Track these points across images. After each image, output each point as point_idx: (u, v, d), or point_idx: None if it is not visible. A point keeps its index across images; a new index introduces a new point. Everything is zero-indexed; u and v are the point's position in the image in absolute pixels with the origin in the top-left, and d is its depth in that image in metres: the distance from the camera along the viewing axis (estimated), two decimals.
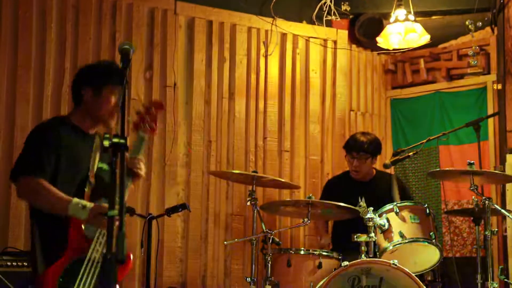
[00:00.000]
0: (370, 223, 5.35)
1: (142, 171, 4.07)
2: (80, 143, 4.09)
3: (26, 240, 5.64)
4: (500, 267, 5.55)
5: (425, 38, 7.01)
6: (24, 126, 5.80)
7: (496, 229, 5.69)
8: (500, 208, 5.65)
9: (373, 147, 6.33)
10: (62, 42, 6.08)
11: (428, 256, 5.66)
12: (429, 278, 5.85)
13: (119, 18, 6.33)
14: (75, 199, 3.75)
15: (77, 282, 3.66)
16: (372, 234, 5.34)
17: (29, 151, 3.96)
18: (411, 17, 6.88)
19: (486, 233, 5.44)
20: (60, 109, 6.00)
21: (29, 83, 5.91)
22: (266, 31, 7.04)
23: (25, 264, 5.06)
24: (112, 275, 2.85)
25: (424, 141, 6.42)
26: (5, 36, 5.82)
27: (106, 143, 2.90)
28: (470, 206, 5.82)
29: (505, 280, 5.71)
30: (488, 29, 7.13)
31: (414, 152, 6.39)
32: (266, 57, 7.04)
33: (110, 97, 3.98)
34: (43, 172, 3.84)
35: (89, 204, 3.72)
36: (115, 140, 2.87)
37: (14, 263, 5.04)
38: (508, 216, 5.82)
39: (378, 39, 7.08)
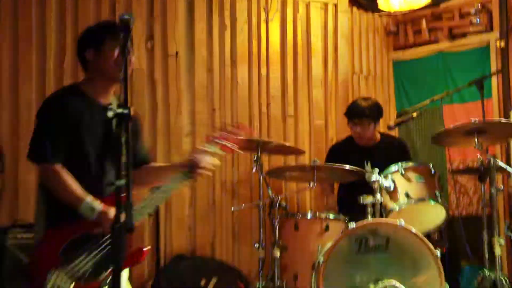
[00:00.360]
0: (376, 185, 5.39)
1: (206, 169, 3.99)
2: (93, 111, 4.02)
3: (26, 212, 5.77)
4: (506, 223, 5.63)
5: None
6: (28, 100, 5.87)
7: (502, 187, 5.69)
8: (505, 166, 5.69)
9: (375, 112, 6.38)
10: (62, 15, 6.10)
11: (434, 215, 5.73)
12: (436, 237, 5.86)
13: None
14: (87, 199, 3.71)
15: (81, 257, 3.70)
16: (378, 196, 5.38)
17: (41, 133, 3.91)
18: None
19: (492, 191, 5.51)
20: (62, 82, 5.96)
21: (31, 58, 5.92)
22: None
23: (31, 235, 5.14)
24: (121, 244, 2.91)
25: (428, 101, 6.46)
26: (5, 13, 5.84)
27: (110, 113, 2.93)
28: (475, 165, 5.91)
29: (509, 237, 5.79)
30: None
31: (418, 113, 6.45)
32: (267, 23, 7.05)
33: (112, 50, 3.91)
34: (57, 156, 3.83)
35: (98, 207, 3.68)
36: (119, 110, 2.90)
37: (25, 236, 5.13)
38: (508, 168, 5.86)
39: (379, 0, 7.11)
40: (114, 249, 2.96)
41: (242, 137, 4.19)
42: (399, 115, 6.52)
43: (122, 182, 2.90)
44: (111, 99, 4.06)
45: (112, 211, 3.48)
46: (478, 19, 7.16)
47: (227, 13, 6.87)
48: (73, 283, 3.66)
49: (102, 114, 3.78)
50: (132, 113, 3.60)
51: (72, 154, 3.89)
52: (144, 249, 3.88)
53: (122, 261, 2.98)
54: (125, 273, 4.01)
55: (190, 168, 3.96)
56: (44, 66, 6.02)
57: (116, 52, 3.90)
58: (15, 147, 5.78)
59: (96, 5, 6.25)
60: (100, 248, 3.73)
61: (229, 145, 4.09)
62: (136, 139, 4.15)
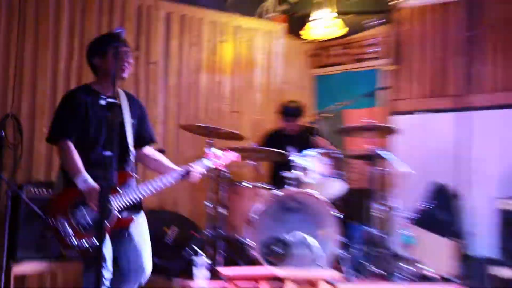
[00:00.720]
0: (296, 164, 5.53)
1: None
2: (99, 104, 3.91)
3: (47, 173, 5.72)
4: (381, 194, 5.70)
5: (342, 31, 7.16)
6: (43, 91, 5.79)
7: (382, 168, 5.91)
8: (384, 154, 5.85)
9: (299, 111, 6.52)
10: (72, 29, 6.00)
11: (336, 188, 5.84)
12: (338, 203, 5.80)
13: (115, 13, 6.28)
14: (84, 174, 3.64)
15: (80, 213, 3.63)
16: (297, 172, 5.52)
17: (58, 117, 3.87)
18: (333, 14, 7.00)
19: (375, 171, 5.77)
20: (69, 79, 5.94)
21: (47, 59, 5.81)
22: (224, 24, 7.06)
23: (49, 191, 5.08)
24: (106, 199, 3.01)
25: (335, 106, 6.54)
26: (29, 22, 5.70)
27: (103, 102, 3.04)
28: (365, 152, 6.01)
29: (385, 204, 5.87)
30: (386, 26, 7.19)
31: (329, 114, 6.50)
32: (223, 43, 7.07)
33: (112, 58, 3.74)
34: (69, 134, 3.76)
35: (90, 183, 3.59)
36: (110, 100, 3.03)
37: (35, 190, 5.08)
38: (389, 158, 5.94)
39: (306, 30, 7.20)
40: (101, 203, 2.95)
41: (230, 160, 4.32)
42: (318, 114, 6.63)
43: (109, 153, 2.92)
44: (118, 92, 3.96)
45: (97, 187, 3.58)
46: (374, 49, 7.29)
47: (194, 33, 6.90)
48: (71, 229, 3.59)
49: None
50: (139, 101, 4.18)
51: (82, 136, 3.78)
52: (129, 218, 3.76)
53: (103, 222, 2.95)
54: (143, 219, 4.01)
55: (186, 174, 3.95)
56: (56, 65, 5.91)
57: (117, 58, 3.78)
58: (32, 125, 5.75)
59: (97, 20, 6.15)
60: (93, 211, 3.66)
61: (220, 163, 4.21)
62: (142, 122, 4.10)
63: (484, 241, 6.19)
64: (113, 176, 3.72)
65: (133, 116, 3.98)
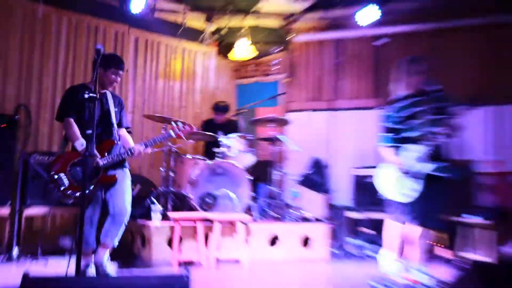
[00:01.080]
0: (223, 143, 5.53)
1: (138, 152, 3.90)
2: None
3: (48, 146, 5.65)
4: (279, 165, 5.82)
5: (254, 54, 7.12)
6: (47, 85, 5.70)
7: (280, 147, 5.97)
8: (281, 138, 5.89)
9: (226, 108, 6.43)
10: (68, 45, 5.89)
11: (249, 159, 5.76)
12: (250, 169, 5.74)
13: (99, 35, 6.15)
14: (80, 139, 3.65)
15: (77, 169, 3.61)
16: (223, 148, 5.51)
17: (63, 102, 3.88)
18: (248, 43, 6.96)
19: (276, 149, 5.78)
20: (66, 78, 5.84)
21: (49, 64, 5.72)
22: (175, 47, 6.97)
23: (49, 158, 4.92)
24: (88, 168, 2.95)
25: (249, 105, 6.63)
26: (38, 42, 5.61)
27: (86, 95, 3.00)
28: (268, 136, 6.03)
29: (281, 171, 6.05)
30: (283, 52, 7.23)
31: (245, 110, 6.59)
32: (175, 59, 6.98)
33: (110, 74, 3.79)
34: (70, 114, 3.76)
35: (84, 144, 3.51)
36: (91, 94, 3.02)
37: (40, 157, 4.93)
38: (284, 141, 5.98)
39: (231, 53, 7.16)
40: (83, 170, 2.95)
41: (188, 132, 4.19)
42: (238, 110, 6.67)
43: (89, 132, 2.96)
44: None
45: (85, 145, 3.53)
46: (276, 67, 7.34)
47: (154, 52, 6.78)
48: (68, 182, 3.59)
49: (100, 95, 3.82)
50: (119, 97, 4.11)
51: (78, 118, 3.76)
52: (112, 175, 3.76)
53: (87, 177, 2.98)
54: (126, 174, 3.96)
55: (131, 153, 3.84)
56: (56, 70, 5.81)
57: (113, 76, 3.83)
58: (38, 112, 5.64)
59: (86, 40, 6.03)
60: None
61: (181, 134, 4.09)
62: (121, 112, 4.05)
63: (343, 195, 6.32)
64: (100, 144, 3.73)
65: (115, 106, 3.95)
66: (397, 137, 3.91)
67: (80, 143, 3.64)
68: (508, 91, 5.96)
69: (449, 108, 3.78)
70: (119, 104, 4.08)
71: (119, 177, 3.80)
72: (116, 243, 3.83)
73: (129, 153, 3.82)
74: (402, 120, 3.89)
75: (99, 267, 3.79)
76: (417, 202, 3.74)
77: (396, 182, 3.83)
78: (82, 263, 3.48)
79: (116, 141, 3.90)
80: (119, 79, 3.89)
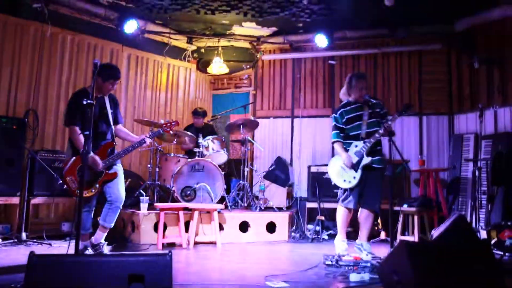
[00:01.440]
0: (201, 144, 5.52)
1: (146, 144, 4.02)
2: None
3: (52, 145, 5.57)
4: (248, 162, 5.93)
5: (227, 70, 7.16)
6: (52, 94, 5.65)
7: (249, 148, 5.96)
8: (251, 140, 5.99)
9: (204, 113, 6.43)
10: (71, 60, 5.85)
11: (223, 158, 5.79)
12: (223, 166, 5.93)
13: (97, 52, 6.13)
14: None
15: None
16: (201, 148, 5.51)
17: (69, 109, 3.78)
18: (221, 60, 7.02)
19: (244, 149, 5.75)
20: (68, 89, 5.76)
21: (54, 77, 5.66)
22: (161, 62, 6.93)
23: (55, 155, 5.00)
24: (86, 163, 2.95)
25: (223, 112, 6.66)
26: (46, 57, 5.55)
27: (84, 102, 2.93)
28: (240, 138, 6.11)
29: (250, 167, 6.11)
30: (252, 68, 7.24)
31: (218, 117, 6.65)
32: (161, 73, 6.95)
33: (108, 84, 3.77)
34: (76, 122, 3.70)
35: (91, 153, 3.56)
36: (89, 101, 2.93)
37: (46, 155, 4.97)
38: (253, 142, 6.09)
39: (208, 68, 7.19)
40: (83, 164, 2.91)
41: (175, 127, 4.28)
42: (213, 116, 6.70)
43: (87, 133, 2.90)
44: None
45: (96, 157, 3.65)
46: (246, 81, 7.36)
47: (144, 67, 6.74)
48: (76, 183, 3.62)
49: (96, 100, 3.68)
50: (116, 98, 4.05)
51: (83, 123, 3.67)
52: (113, 173, 3.79)
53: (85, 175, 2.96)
54: (122, 172, 3.95)
55: (144, 142, 3.95)
56: (60, 80, 5.76)
57: (110, 86, 3.80)
58: (44, 116, 5.58)
59: (86, 55, 6.00)
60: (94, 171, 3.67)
61: (168, 130, 4.20)
62: (116, 111, 4.00)
63: (302, 188, 6.47)
64: (101, 147, 3.74)
65: (111, 107, 3.90)
66: (343, 134, 4.16)
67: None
68: (429, 104, 6.29)
69: (382, 113, 4.07)
70: (113, 103, 3.99)
71: (117, 172, 3.83)
72: (112, 225, 3.85)
73: (142, 142, 3.93)
74: (347, 121, 4.11)
75: (96, 246, 3.80)
76: (357, 187, 4.00)
77: (340, 171, 4.04)
78: (81, 245, 3.60)
79: (114, 143, 3.90)
80: (115, 87, 3.89)
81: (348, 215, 4.14)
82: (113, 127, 3.92)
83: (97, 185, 3.70)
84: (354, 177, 3.98)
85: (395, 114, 3.94)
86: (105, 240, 3.90)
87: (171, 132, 4.33)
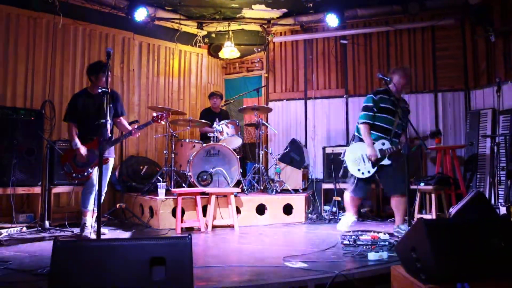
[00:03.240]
0: (217, 128, 5.53)
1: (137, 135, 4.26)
2: (90, 100, 4.18)
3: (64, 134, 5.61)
4: (263, 145, 5.96)
5: (238, 54, 7.14)
6: (67, 87, 5.67)
7: (263, 131, 5.93)
8: (265, 123, 5.96)
9: (221, 96, 6.50)
10: (84, 50, 5.88)
11: (238, 142, 5.81)
12: (238, 150, 5.94)
13: (109, 41, 6.16)
14: (75, 140, 4.05)
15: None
16: (217, 133, 5.52)
17: (67, 108, 4.24)
18: (232, 44, 6.98)
19: (261, 132, 5.77)
20: (82, 80, 5.81)
21: (68, 69, 5.70)
22: (173, 49, 6.93)
23: (66, 144, 5.05)
24: (104, 148, 3.19)
25: (236, 96, 6.66)
26: (59, 48, 5.59)
27: (99, 90, 3.26)
28: (254, 121, 6.07)
29: (265, 151, 6.10)
30: (264, 52, 7.18)
31: (232, 101, 6.64)
32: (173, 59, 6.95)
33: (101, 78, 4.10)
34: (72, 118, 4.14)
35: (77, 145, 4.04)
36: (104, 89, 3.20)
37: (62, 144, 5.00)
38: (267, 125, 6.09)
39: (220, 53, 7.15)
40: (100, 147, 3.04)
41: (167, 117, 4.46)
42: (226, 101, 6.70)
43: (102, 120, 3.20)
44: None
45: (82, 149, 4.05)
46: (258, 64, 7.32)
47: (156, 54, 6.74)
48: (72, 168, 4.06)
49: (94, 98, 4.16)
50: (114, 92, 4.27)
51: (80, 119, 4.14)
52: (105, 159, 4.04)
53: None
54: (111, 163, 4.32)
55: (130, 134, 4.23)
56: (74, 71, 5.79)
57: (102, 78, 4.09)
58: (61, 107, 5.61)
59: (99, 45, 6.02)
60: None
61: (159, 121, 4.38)
62: (116, 105, 4.30)
63: (317, 170, 6.50)
64: (95, 138, 4.06)
65: (110, 102, 3.92)
66: (372, 121, 4.11)
67: (74, 144, 4.06)
68: (444, 80, 6.18)
69: (408, 120, 4.06)
70: (112, 98, 4.16)
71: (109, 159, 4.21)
72: (86, 208, 4.19)
73: (127, 135, 4.23)
74: (382, 109, 4.09)
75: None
76: (369, 179, 4.09)
77: (359, 159, 4.02)
78: (82, 220, 4.16)
79: (108, 135, 4.00)
80: (103, 79, 4.07)
81: (357, 200, 4.24)
82: (109, 120, 3.87)
83: (90, 169, 4.10)
84: (369, 171, 4.04)
85: (421, 138, 4.05)
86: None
87: (162, 122, 4.47)
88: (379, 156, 4.00)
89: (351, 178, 4.22)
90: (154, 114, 4.38)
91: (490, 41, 5.71)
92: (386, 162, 4.00)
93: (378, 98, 4.09)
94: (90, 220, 4.20)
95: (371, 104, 4.09)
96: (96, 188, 4.05)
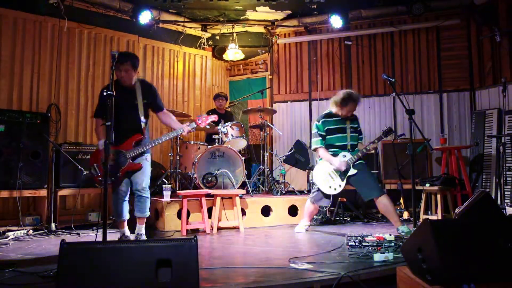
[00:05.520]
0: (220, 130, 5.50)
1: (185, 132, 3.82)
2: (123, 92, 3.60)
3: (75, 137, 5.66)
4: (268, 147, 5.94)
5: (242, 56, 7.16)
6: (72, 90, 5.69)
7: (268, 132, 5.92)
8: (270, 125, 5.96)
9: (226, 97, 6.45)
10: (89, 53, 5.91)
11: (242, 144, 5.78)
12: (243, 152, 5.92)
13: (114, 44, 6.19)
14: (101, 141, 3.57)
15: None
16: (221, 135, 5.48)
17: (97, 104, 3.81)
18: (236, 46, 7.00)
19: (264, 134, 5.77)
20: (88, 83, 5.84)
21: (73, 72, 5.73)
22: (177, 51, 6.96)
23: (78, 147, 5.07)
24: (108, 153, 2.85)
25: (240, 98, 6.66)
26: (64, 52, 5.63)
27: (105, 93, 2.87)
28: (258, 123, 6.06)
29: (269, 152, 6.12)
30: (268, 53, 7.21)
31: (236, 103, 6.63)
32: (177, 62, 6.97)
33: (117, 72, 3.56)
34: (97, 115, 3.72)
35: (101, 145, 3.52)
36: (109, 92, 2.87)
37: (69, 147, 5.03)
38: (271, 127, 6.08)
39: (224, 55, 7.17)
40: (106, 155, 2.87)
41: (207, 121, 4.06)
42: (230, 103, 6.70)
43: (108, 123, 2.84)
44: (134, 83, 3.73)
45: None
46: (262, 66, 7.33)
47: (160, 56, 6.76)
48: (99, 171, 3.64)
49: (129, 90, 3.69)
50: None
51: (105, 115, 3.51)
52: (137, 163, 3.69)
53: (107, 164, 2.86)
54: (148, 161, 3.83)
55: (182, 131, 3.82)
56: (79, 74, 5.84)
57: (119, 72, 3.60)
58: (66, 110, 5.69)
59: (103, 48, 6.07)
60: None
61: (201, 123, 4.02)
62: (153, 99, 3.83)
63: None
64: (128, 138, 3.64)
65: (144, 97, 3.74)
66: (325, 142, 4.31)
67: (101, 143, 3.59)
68: (449, 81, 6.17)
69: (359, 130, 4.35)
70: (149, 93, 3.80)
71: (142, 164, 3.73)
72: (143, 214, 3.80)
73: (180, 132, 3.81)
74: (328, 131, 4.28)
75: (136, 236, 3.83)
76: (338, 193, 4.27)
77: (327, 177, 4.25)
78: (119, 233, 3.77)
79: (142, 135, 3.72)
80: (124, 73, 3.62)
81: (315, 209, 4.51)
82: (142, 117, 3.73)
83: (118, 174, 3.65)
84: (340, 185, 4.19)
85: (375, 139, 4.17)
86: (129, 228, 3.92)
87: (203, 125, 4.11)
88: (344, 168, 4.15)
89: (314, 190, 4.41)
90: (200, 116, 4.08)
91: (495, 41, 5.69)
92: (352, 172, 4.15)
93: (321, 123, 4.30)
94: (127, 230, 3.84)
95: (317, 131, 4.32)
96: (126, 194, 3.77)
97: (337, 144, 4.26)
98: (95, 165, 3.68)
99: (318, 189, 4.32)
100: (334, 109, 4.29)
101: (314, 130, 4.36)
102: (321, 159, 4.34)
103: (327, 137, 4.28)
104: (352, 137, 4.28)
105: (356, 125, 4.33)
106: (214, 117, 4.09)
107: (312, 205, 4.45)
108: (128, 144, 3.69)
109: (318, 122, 4.32)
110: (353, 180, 4.18)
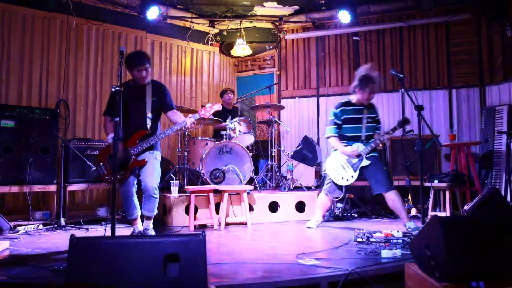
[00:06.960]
0: (228, 126, 5.52)
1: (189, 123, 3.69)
2: (133, 91, 3.70)
3: (84, 133, 5.69)
4: (277, 144, 5.91)
5: (250, 52, 7.13)
6: (81, 86, 5.73)
7: (275, 128, 5.95)
8: (278, 121, 5.97)
9: (232, 92, 6.43)
10: (97, 50, 5.94)
11: (250, 139, 5.81)
12: (251, 148, 5.95)
13: (122, 40, 6.22)
14: (110, 135, 3.57)
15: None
16: (229, 131, 5.52)
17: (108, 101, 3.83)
18: (244, 42, 6.98)
19: (272, 130, 5.77)
20: (96, 79, 5.87)
21: (82, 68, 5.76)
22: (185, 47, 6.97)
23: (87, 143, 5.07)
24: (116, 150, 2.84)
25: (248, 94, 6.65)
26: (72, 48, 5.65)
27: (113, 89, 2.91)
28: (265, 119, 6.06)
29: (277, 148, 6.07)
30: (275, 49, 7.19)
31: (244, 99, 6.64)
32: (185, 58, 6.99)
33: (135, 72, 3.61)
34: (105, 113, 3.76)
35: (110, 139, 3.51)
36: (117, 88, 2.91)
37: (78, 143, 5.03)
38: (279, 123, 6.07)
39: (232, 51, 7.15)
40: (114, 150, 2.85)
41: (210, 111, 3.88)
42: (238, 98, 6.69)
43: (116, 119, 2.85)
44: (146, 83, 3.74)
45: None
46: (269, 62, 7.31)
47: (168, 52, 6.78)
48: (105, 169, 3.64)
49: (139, 89, 3.72)
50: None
51: (124, 112, 3.49)
52: (142, 160, 3.66)
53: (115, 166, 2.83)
54: (158, 159, 3.79)
55: (185, 123, 3.69)
56: (88, 71, 5.87)
57: (138, 73, 3.65)
58: (74, 106, 5.73)
59: (112, 44, 6.09)
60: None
61: (205, 114, 3.86)
62: (162, 98, 3.80)
63: None
64: (133, 134, 3.63)
65: (153, 95, 3.74)
66: (339, 131, 4.27)
67: (110, 137, 3.61)
68: (459, 76, 6.11)
69: (378, 119, 4.27)
70: (159, 93, 3.79)
71: (148, 160, 3.69)
72: (150, 213, 3.78)
73: (183, 125, 3.70)
74: (345, 120, 4.22)
75: (144, 231, 3.82)
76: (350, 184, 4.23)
77: (339, 168, 4.22)
78: (132, 232, 3.78)
79: (147, 131, 3.70)
80: (144, 73, 3.65)
81: (329, 201, 4.47)
82: (149, 115, 3.72)
83: (124, 171, 3.64)
84: (352, 176, 4.16)
85: (390, 130, 4.10)
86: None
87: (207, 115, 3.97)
88: (357, 159, 4.12)
89: (328, 182, 4.39)
90: (205, 106, 3.95)
91: (506, 36, 5.63)
92: (365, 162, 4.12)
93: (340, 111, 4.25)
94: (141, 225, 3.82)
95: (334, 118, 4.28)
96: (134, 192, 3.73)
97: (349, 135, 4.22)
98: (101, 164, 3.68)
99: (332, 181, 4.30)
100: (354, 98, 4.23)
101: (330, 117, 4.30)
102: (335, 150, 4.30)
103: (343, 126, 4.23)
104: (368, 127, 4.21)
105: (374, 115, 4.25)
106: (218, 106, 3.97)
107: (326, 197, 4.42)
108: (132, 140, 3.69)
109: (336, 109, 4.26)
110: (366, 172, 4.16)
